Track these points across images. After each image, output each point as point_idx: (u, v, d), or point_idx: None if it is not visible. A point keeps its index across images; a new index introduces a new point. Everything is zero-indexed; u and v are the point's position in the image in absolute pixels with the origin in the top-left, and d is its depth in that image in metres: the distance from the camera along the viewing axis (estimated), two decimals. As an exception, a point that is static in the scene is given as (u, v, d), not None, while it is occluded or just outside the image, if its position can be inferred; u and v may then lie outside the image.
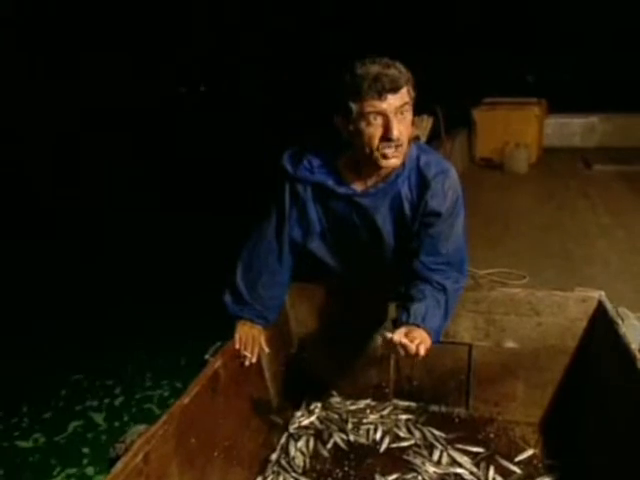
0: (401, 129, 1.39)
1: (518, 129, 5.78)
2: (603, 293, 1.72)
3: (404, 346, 1.34)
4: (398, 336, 1.35)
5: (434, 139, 5.18)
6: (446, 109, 5.44)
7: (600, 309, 1.68)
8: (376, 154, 1.43)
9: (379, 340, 1.82)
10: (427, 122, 4.78)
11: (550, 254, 3.82)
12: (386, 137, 1.39)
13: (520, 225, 4.37)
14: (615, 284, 3.26)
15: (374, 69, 1.36)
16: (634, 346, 1.43)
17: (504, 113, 5.87)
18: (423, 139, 4.71)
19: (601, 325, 1.65)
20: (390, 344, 1.36)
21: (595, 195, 4.88)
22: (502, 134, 5.76)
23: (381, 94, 1.35)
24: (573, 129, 6.52)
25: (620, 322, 1.55)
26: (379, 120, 1.38)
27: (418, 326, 1.46)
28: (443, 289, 1.57)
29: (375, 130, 1.39)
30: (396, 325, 1.51)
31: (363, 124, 1.40)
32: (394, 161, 1.45)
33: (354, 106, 1.39)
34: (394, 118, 1.37)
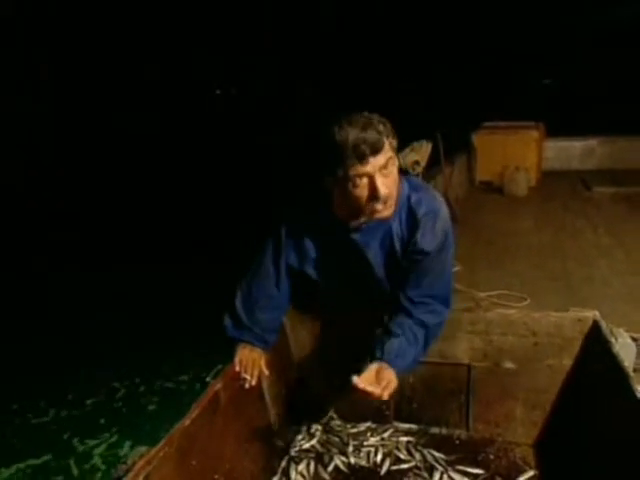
0: (388, 184, 1.41)
1: (517, 153, 5.84)
2: (597, 313, 1.74)
3: (368, 393, 1.42)
4: (363, 384, 1.42)
5: (433, 164, 5.25)
6: (446, 133, 5.54)
7: (595, 328, 1.70)
8: (366, 211, 1.47)
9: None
10: (426, 147, 4.84)
11: (551, 276, 3.83)
12: (373, 196, 1.42)
13: (520, 247, 4.39)
14: (616, 305, 3.27)
15: (352, 134, 1.35)
16: (627, 364, 1.45)
17: (503, 137, 5.95)
18: (423, 164, 4.77)
19: (596, 344, 1.67)
20: (355, 389, 1.42)
21: (595, 216, 4.91)
22: (501, 158, 5.82)
23: (362, 159, 1.36)
24: (572, 152, 6.57)
25: (614, 341, 1.58)
26: (364, 180, 1.40)
27: (389, 364, 1.52)
28: (423, 325, 1.62)
29: (362, 191, 1.42)
30: (370, 359, 1.57)
31: (349, 186, 1.42)
32: (385, 213, 1.49)
33: (338, 171, 1.40)
34: (379, 176, 1.39)
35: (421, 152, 4.66)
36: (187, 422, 1.40)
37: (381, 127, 1.38)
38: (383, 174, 1.39)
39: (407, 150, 4.24)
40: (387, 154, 1.39)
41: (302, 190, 1.67)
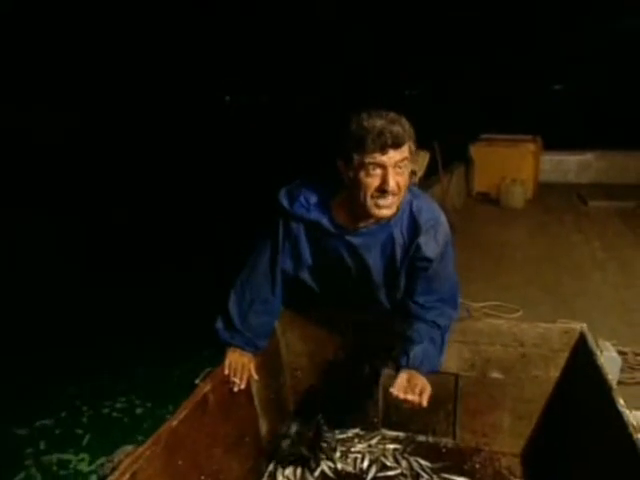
0: (398, 181, 1.45)
1: (514, 165, 5.90)
2: (585, 325, 1.76)
3: (409, 402, 1.49)
4: (403, 394, 1.50)
5: (431, 174, 5.29)
6: (443, 144, 5.58)
7: (581, 340, 1.72)
8: (370, 203, 1.49)
9: (366, 369, 1.87)
10: (424, 157, 4.89)
11: (544, 288, 3.86)
12: (382, 188, 1.45)
13: (515, 259, 4.43)
14: (607, 318, 3.30)
15: (379, 123, 1.40)
16: (611, 377, 1.47)
17: (501, 149, 6.00)
18: (420, 174, 4.81)
19: (582, 356, 1.69)
20: (396, 399, 1.50)
21: (590, 230, 4.95)
22: (499, 170, 5.88)
23: (383, 148, 1.40)
24: (568, 166, 6.63)
25: (599, 353, 1.59)
26: (378, 171, 1.44)
27: (417, 369, 1.57)
28: (438, 327, 1.67)
29: (373, 180, 1.45)
30: (396, 369, 1.61)
31: (362, 173, 1.45)
32: (386, 212, 1.51)
33: (356, 156, 1.44)
34: (392, 171, 1.43)
35: (418, 162, 4.69)
36: (175, 422, 1.41)
37: (407, 126, 1.45)
38: (396, 171, 1.44)
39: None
40: (404, 153, 1.45)
41: (301, 194, 1.67)
